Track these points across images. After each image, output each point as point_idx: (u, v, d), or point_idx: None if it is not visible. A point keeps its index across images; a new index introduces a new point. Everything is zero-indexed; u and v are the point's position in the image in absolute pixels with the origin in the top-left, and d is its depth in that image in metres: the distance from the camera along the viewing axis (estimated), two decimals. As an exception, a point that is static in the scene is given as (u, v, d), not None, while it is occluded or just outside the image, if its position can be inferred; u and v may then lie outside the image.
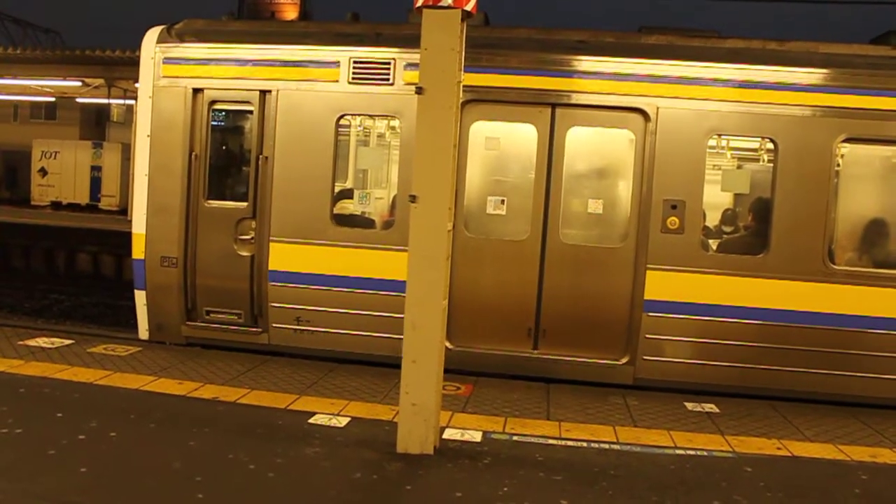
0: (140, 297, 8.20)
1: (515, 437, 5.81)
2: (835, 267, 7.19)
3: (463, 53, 5.33)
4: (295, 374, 7.13)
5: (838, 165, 7.28)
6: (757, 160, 8.15)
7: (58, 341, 7.78)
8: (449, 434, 5.75)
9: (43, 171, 31.42)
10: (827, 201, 7.17)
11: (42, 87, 21.98)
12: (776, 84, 7.20)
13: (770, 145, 7.35)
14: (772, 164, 7.30)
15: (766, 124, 7.26)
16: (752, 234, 7.64)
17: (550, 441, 5.79)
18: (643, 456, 5.59)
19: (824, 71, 7.24)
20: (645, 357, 7.36)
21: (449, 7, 5.20)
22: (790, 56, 7.36)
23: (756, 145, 7.97)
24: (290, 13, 45.24)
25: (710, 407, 6.85)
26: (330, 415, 6.02)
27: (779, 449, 5.88)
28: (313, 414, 6.02)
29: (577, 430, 6.05)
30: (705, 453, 5.70)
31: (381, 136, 8.79)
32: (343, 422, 5.90)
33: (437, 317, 5.23)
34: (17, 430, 5.32)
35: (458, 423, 6.05)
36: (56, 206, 30.61)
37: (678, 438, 5.98)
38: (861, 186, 7.71)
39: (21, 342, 7.65)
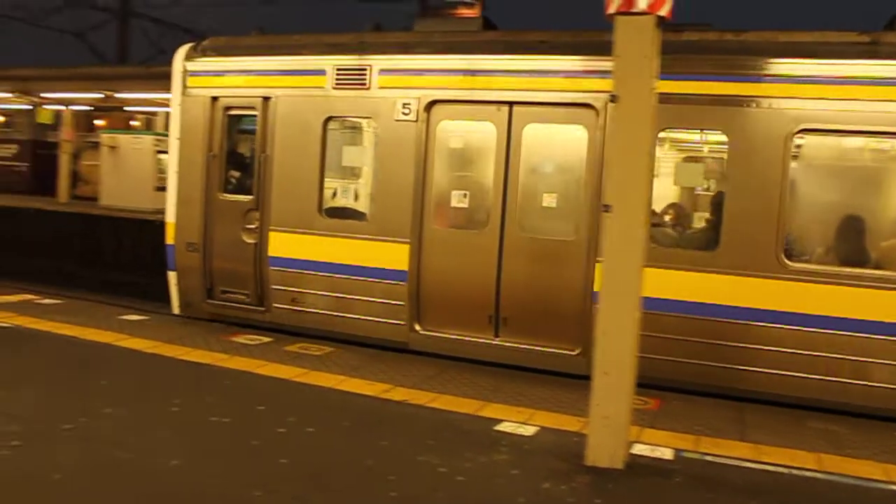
0: (172, 277, 9.45)
1: (709, 458, 5.56)
2: (789, 263, 6.90)
3: (658, 60, 5.19)
4: (476, 380, 7.20)
5: (794, 158, 6.92)
6: (708, 154, 8.10)
7: (256, 339, 8.31)
8: (638, 449, 5.58)
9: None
10: (781, 195, 6.78)
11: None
12: (728, 75, 6.95)
13: (723, 138, 7.12)
14: (723, 158, 7.11)
15: (717, 117, 7.02)
16: (703, 230, 7.49)
17: (747, 464, 5.48)
18: (853, 488, 5.17)
19: (780, 60, 6.84)
20: None
21: (642, 13, 5.08)
22: (746, 46, 7.06)
23: (707, 138, 7.88)
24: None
25: (926, 438, 6.25)
26: (517, 423, 6.02)
27: None
28: (500, 421, 6.03)
29: (775, 454, 5.68)
30: (927, 491, 5.19)
31: (362, 135, 9.35)
32: (530, 430, 5.87)
33: (629, 327, 5.11)
34: (224, 419, 5.73)
35: (647, 438, 5.86)
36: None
37: (894, 473, 5.48)
38: (818, 179, 7.37)
39: (224, 338, 8.24)
